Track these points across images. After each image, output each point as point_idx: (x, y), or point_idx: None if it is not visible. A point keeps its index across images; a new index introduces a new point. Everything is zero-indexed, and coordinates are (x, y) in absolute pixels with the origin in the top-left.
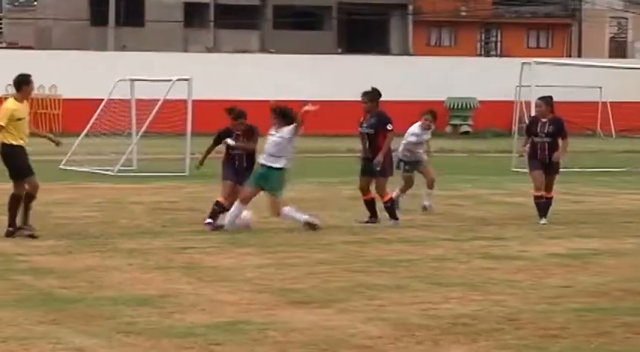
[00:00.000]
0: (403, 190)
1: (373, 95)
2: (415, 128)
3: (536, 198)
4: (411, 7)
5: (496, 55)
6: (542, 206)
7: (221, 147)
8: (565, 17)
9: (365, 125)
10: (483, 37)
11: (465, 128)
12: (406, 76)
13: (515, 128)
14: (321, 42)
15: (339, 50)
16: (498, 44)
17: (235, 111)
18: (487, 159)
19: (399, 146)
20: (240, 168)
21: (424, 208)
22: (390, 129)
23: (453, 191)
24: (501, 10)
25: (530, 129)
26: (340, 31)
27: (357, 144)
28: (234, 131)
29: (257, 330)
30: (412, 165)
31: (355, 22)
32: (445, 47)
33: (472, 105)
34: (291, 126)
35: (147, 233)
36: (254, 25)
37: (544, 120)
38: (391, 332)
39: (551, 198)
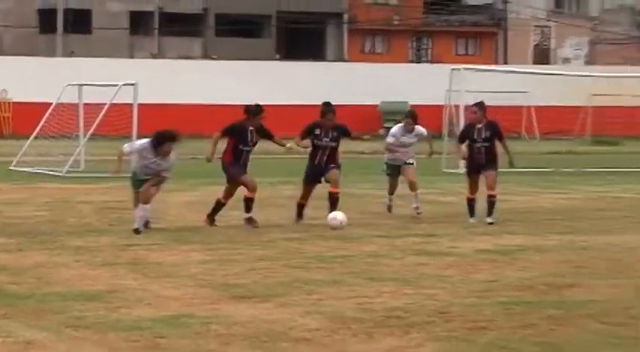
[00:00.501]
0: (390, 193)
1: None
2: (395, 129)
3: (470, 200)
4: (346, 16)
5: (427, 62)
6: (487, 205)
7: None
8: (492, 26)
9: (327, 139)
10: (415, 45)
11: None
12: (341, 82)
13: (445, 131)
14: (261, 49)
15: (278, 57)
16: (429, 51)
17: (252, 107)
18: (419, 160)
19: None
20: (244, 165)
21: (416, 209)
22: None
23: (385, 190)
24: (432, 19)
25: (467, 135)
26: (279, 39)
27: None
28: (249, 126)
29: (200, 324)
30: (394, 168)
31: (293, 30)
32: (379, 54)
33: (404, 110)
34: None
35: (94, 231)
36: (197, 32)
37: (479, 125)
38: (328, 324)
39: (494, 196)
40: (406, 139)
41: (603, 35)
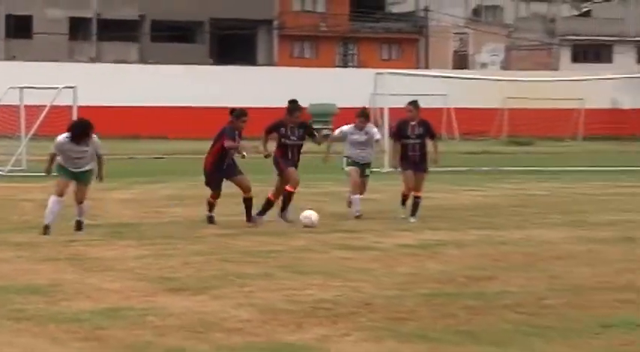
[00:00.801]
0: (352, 192)
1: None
2: (346, 126)
3: (404, 196)
4: (276, 23)
5: (353, 67)
6: (411, 205)
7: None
8: (414, 33)
9: (294, 137)
10: (341, 50)
11: (326, 132)
12: (271, 85)
13: None
14: (195, 54)
15: (211, 61)
16: (355, 56)
17: (238, 110)
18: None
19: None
20: (229, 164)
21: (357, 213)
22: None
23: (314, 188)
24: (357, 26)
25: (400, 132)
26: (212, 44)
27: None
28: (237, 129)
29: (138, 315)
30: (355, 163)
31: (226, 36)
32: (307, 59)
33: (332, 111)
34: None
35: (36, 228)
36: (133, 38)
37: (413, 123)
38: (259, 316)
39: (419, 197)
40: (357, 137)
41: (518, 42)
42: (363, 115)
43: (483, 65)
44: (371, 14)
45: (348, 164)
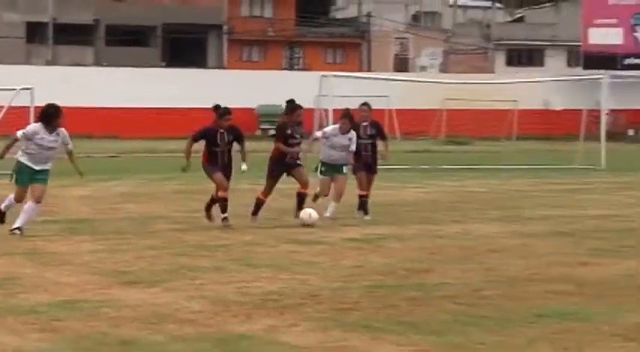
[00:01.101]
0: (317, 194)
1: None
2: (329, 128)
3: (361, 196)
4: (225, 28)
5: (299, 69)
6: (359, 203)
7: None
8: (357, 37)
9: (298, 136)
10: (288, 54)
11: (273, 132)
12: (221, 87)
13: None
14: (148, 57)
15: (164, 64)
16: (301, 60)
17: (222, 108)
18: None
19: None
20: (223, 164)
21: (330, 217)
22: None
23: (261, 185)
24: (303, 30)
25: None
26: (164, 48)
27: (178, 145)
28: (220, 128)
29: (93, 307)
30: (329, 168)
31: (177, 40)
32: (255, 62)
33: (279, 112)
34: None
35: None
36: (88, 41)
37: (365, 123)
38: (210, 307)
39: (366, 195)
40: (339, 140)
41: (455, 46)
42: (348, 116)
43: (423, 68)
44: (316, 19)
45: (322, 172)
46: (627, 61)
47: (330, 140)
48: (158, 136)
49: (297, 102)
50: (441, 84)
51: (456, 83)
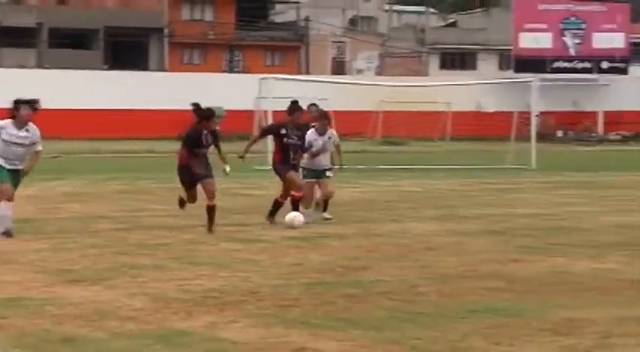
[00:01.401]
0: (305, 206)
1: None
2: (309, 134)
3: (293, 198)
4: (166, 31)
5: (239, 72)
6: (297, 204)
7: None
8: (295, 41)
9: (295, 137)
10: (228, 57)
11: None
12: (163, 90)
13: (256, 132)
14: (90, 60)
15: (106, 67)
16: (241, 63)
17: (206, 110)
18: (234, 159)
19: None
20: (203, 166)
21: (327, 219)
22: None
23: None
24: (243, 34)
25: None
26: (106, 51)
27: (122, 146)
28: (204, 130)
29: (37, 305)
30: (312, 172)
31: (119, 43)
32: (196, 65)
33: (220, 114)
34: None
35: None
36: (32, 44)
37: (314, 124)
38: (151, 304)
39: (301, 197)
40: (320, 142)
41: (391, 50)
42: (325, 117)
43: (359, 71)
44: (255, 23)
45: (304, 176)
46: (556, 65)
47: (312, 144)
48: (101, 137)
49: (238, 104)
50: (377, 86)
51: (392, 86)
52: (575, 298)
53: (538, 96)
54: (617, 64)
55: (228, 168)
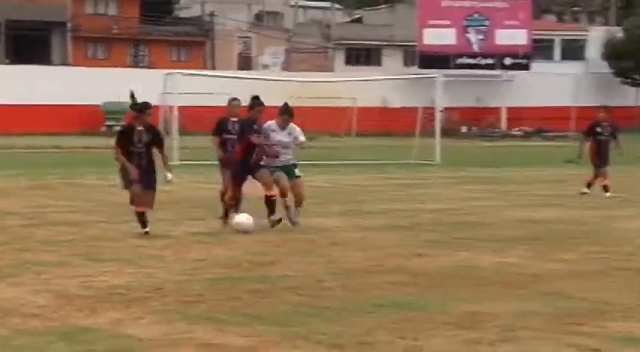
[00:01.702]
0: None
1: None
2: (267, 123)
3: (222, 194)
4: (69, 25)
5: (144, 67)
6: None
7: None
8: (201, 36)
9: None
10: (133, 51)
11: (118, 128)
12: (66, 84)
13: (161, 128)
14: None
15: (8, 61)
16: (146, 58)
17: (140, 103)
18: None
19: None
20: (140, 167)
21: (293, 223)
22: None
23: (108, 181)
24: (148, 28)
25: (222, 128)
26: (8, 45)
27: (28, 141)
28: (138, 126)
29: None
30: (278, 171)
31: (21, 37)
32: (100, 59)
33: (124, 109)
34: None
35: None
36: None
37: (234, 119)
38: (55, 301)
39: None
40: (280, 137)
41: (297, 45)
42: (287, 112)
43: (265, 66)
44: (160, 18)
45: (272, 172)
46: (460, 61)
47: (268, 136)
48: (4, 133)
49: (143, 98)
50: (283, 82)
51: (298, 81)
52: (478, 292)
53: (442, 92)
54: (519, 60)
55: (170, 176)
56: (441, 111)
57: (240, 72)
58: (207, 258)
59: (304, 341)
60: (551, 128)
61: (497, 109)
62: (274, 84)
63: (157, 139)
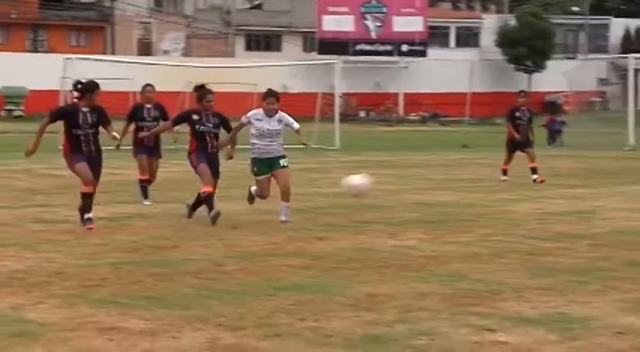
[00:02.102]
0: (253, 195)
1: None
2: (253, 111)
3: (142, 181)
4: None
5: (43, 52)
6: (145, 189)
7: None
8: (101, 21)
9: (209, 124)
10: (32, 36)
11: (17, 112)
12: None
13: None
14: None
15: None
16: (45, 42)
17: (86, 83)
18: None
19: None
20: (90, 151)
21: (285, 222)
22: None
23: (7, 166)
24: (47, 13)
25: (137, 114)
26: None
27: None
28: (83, 107)
29: None
30: (262, 165)
31: None
32: None
33: (23, 94)
34: None
35: None
36: None
37: (149, 105)
38: None
39: (149, 180)
40: (266, 126)
41: (197, 31)
42: (273, 95)
43: (166, 52)
44: (59, 2)
45: (256, 173)
46: (358, 47)
47: (254, 125)
48: None
49: (42, 83)
50: (184, 67)
51: (199, 67)
52: (377, 274)
53: (341, 77)
54: (416, 47)
55: (114, 134)
56: (340, 96)
57: (140, 57)
58: (109, 242)
59: (205, 324)
60: (447, 113)
61: (394, 95)
62: (175, 69)
63: (104, 119)
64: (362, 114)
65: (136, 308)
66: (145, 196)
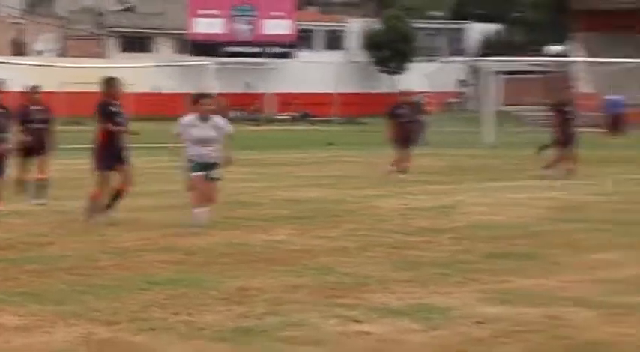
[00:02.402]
0: (196, 205)
1: None
2: (187, 117)
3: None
4: None
5: None
6: (41, 188)
7: None
8: None
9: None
10: None
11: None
12: None
13: None
14: None
15: None
16: None
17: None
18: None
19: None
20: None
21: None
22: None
23: None
24: None
25: (25, 116)
26: None
27: None
28: (32, 105)
29: None
30: (199, 165)
31: None
32: None
33: None
34: None
35: None
36: None
37: (37, 108)
38: None
39: (45, 179)
40: (203, 133)
41: (71, 32)
42: (205, 97)
43: (40, 53)
44: None
45: (194, 169)
46: (229, 49)
47: (188, 133)
48: None
49: None
50: (59, 68)
51: (73, 67)
52: (249, 268)
53: (214, 78)
54: (284, 49)
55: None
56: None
57: (13, 58)
58: None
59: (79, 319)
60: (316, 113)
61: (264, 95)
62: (50, 70)
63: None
64: (233, 114)
65: (10, 304)
66: (36, 196)
